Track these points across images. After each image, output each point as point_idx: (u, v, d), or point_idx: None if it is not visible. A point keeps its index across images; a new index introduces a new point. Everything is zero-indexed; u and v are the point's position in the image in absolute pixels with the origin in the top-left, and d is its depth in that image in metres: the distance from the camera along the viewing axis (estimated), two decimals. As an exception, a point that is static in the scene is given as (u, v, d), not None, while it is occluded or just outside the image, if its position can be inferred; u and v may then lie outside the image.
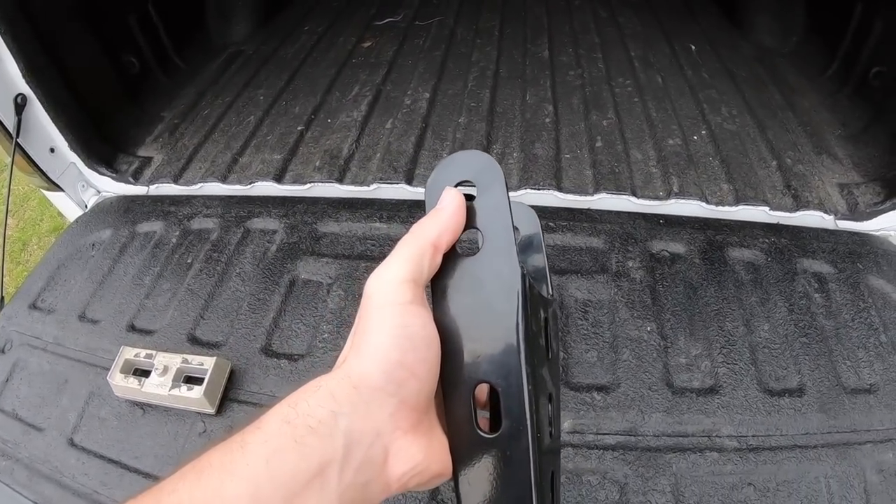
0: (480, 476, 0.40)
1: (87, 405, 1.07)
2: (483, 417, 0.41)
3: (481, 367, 0.39)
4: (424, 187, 0.44)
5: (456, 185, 0.42)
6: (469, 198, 0.42)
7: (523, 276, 0.39)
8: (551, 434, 0.42)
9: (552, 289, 0.50)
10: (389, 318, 0.37)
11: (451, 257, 0.41)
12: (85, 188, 1.52)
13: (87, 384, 1.10)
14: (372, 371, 0.36)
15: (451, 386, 0.40)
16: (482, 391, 0.42)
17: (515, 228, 0.49)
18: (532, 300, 0.40)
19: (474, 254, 0.41)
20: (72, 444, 1.03)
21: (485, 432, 0.39)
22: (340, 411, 0.35)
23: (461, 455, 0.40)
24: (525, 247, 0.51)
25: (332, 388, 0.36)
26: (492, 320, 0.39)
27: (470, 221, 0.42)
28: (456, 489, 0.40)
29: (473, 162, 0.42)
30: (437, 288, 0.41)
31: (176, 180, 1.44)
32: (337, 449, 0.34)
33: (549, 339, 0.44)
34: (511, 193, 0.44)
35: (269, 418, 0.35)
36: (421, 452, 0.38)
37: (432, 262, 0.40)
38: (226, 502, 0.32)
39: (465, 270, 0.41)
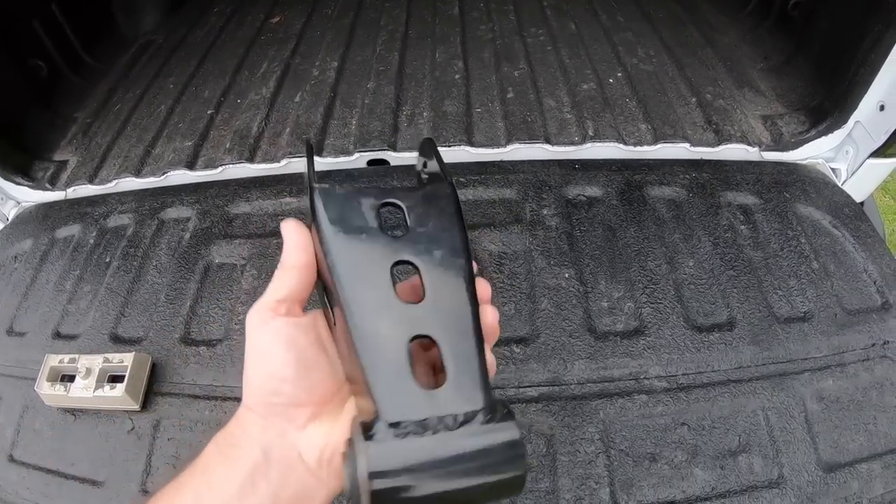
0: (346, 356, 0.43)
1: (22, 419, 1.04)
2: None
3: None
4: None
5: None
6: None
7: (311, 189, 0.44)
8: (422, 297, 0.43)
9: (448, 178, 0.50)
10: (251, 340, 0.42)
11: None
12: (4, 201, 1.47)
13: (20, 398, 1.06)
14: (251, 390, 0.42)
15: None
16: None
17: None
18: (343, 199, 0.44)
19: None
20: (11, 459, 1.01)
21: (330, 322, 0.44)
22: (248, 427, 0.41)
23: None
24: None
25: (238, 414, 0.42)
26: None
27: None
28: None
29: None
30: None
31: (91, 180, 1.39)
32: (257, 455, 0.40)
33: (407, 217, 0.46)
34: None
35: (204, 449, 0.42)
36: (323, 436, 0.42)
37: (293, 286, 0.43)
38: None
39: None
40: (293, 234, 0.44)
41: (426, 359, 0.45)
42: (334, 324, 0.43)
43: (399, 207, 0.45)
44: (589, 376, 0.94)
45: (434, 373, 0.44)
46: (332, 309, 0.43)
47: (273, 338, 0.41)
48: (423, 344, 0.41)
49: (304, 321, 0.43)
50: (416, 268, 0.42)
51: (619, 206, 1.12)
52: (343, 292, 0.40)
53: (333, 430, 0.42)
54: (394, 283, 0.41)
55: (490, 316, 0.44)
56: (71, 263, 1.26)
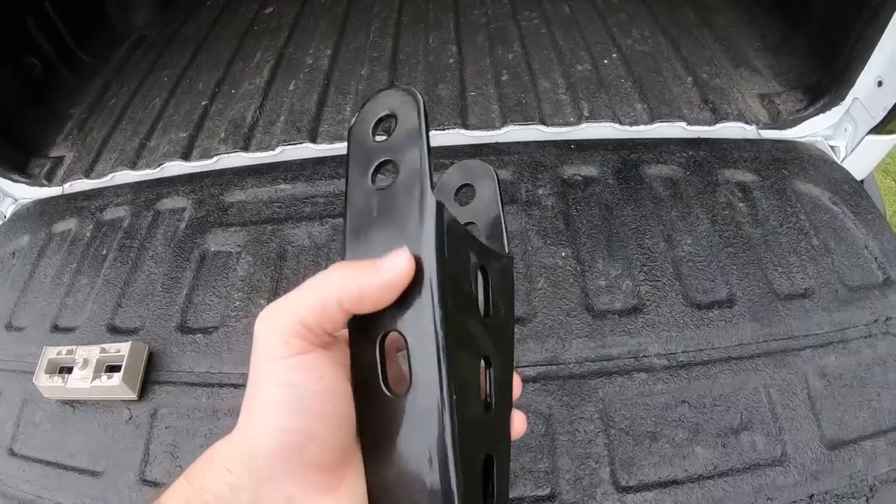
0: (385, 443, 0.33)
1: (22, 412, 1.04)
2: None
3: (388, 312, 0.32)
4: (346, 139, 0.37)
5: (377, 121, 0.36)
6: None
7: (439, 205, 0.32)
8: (489, 405, 0.36)
9: (508, 247, 0.43)
10: (274, 376, 0.32)
11: (365, 189, 0.35)
12: (1, 198, 1.47)
13: (19, 392, 1.07)
14: (264, 439, 0.32)
15: (358, 337, 0.34)
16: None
17: (469, 185, 0.44)
18: (455, 237, 0.34)
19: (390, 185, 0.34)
20: (12, 453, 1.01)
21: (391, 391, 0.33)
22: (240, 484, 0.31)
23: (366, 420, 0.34)
24: (477, 204, 0.45)
25: (228, 459, 0.32)
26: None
27: (385, 151, 0.35)
28: (364, 459, 0.34)
29: (394, 97, 0.35)
30: (349, 226, 0.35)
31: (88, 175, 1.39)
32: None
33: (489, 295, 0.38)
34: None
35: (170, 497, 0.32)
36: None
37: (335, 319, 0.33)
38: None
39: (378, 202, 0.34)
40: (395, 275, 0.32)
41: None
42: (389, 392, 0.33)
43: (485, 277, 0.37)
44: (587, 355, 0.93)
45: None
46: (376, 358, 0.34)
47: (310, 380, 0.32)
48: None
49: (335, 358, 0.34)
50: (489, 365, 0.36)
51: (615, 185, 1.11)
52: (444, 386, 0.31)
53: None
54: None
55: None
56: (68, 257, 1.26)
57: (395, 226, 0.33)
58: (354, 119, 0.36)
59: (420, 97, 0.34)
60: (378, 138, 0.35)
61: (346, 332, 0.35)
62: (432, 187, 0.33)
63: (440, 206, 0.32)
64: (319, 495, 0.32)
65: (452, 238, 0.33)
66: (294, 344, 0.31)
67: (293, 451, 0.31)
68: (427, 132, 0.34)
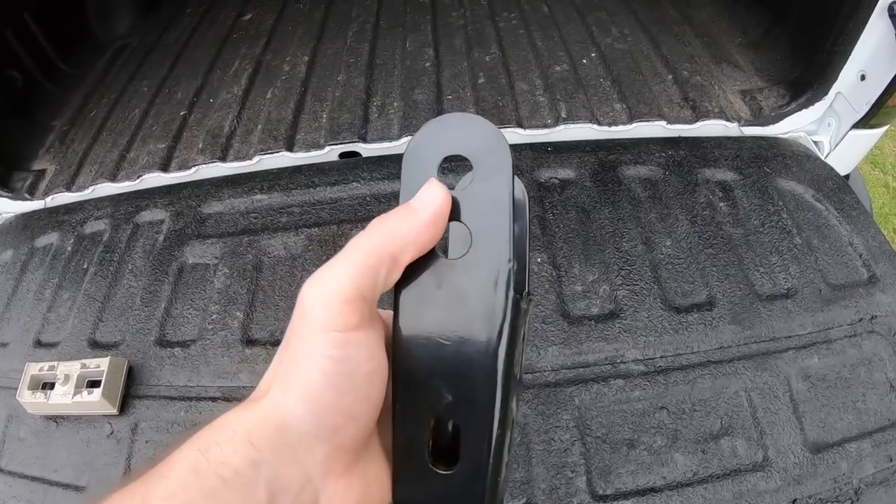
0: None
1: (7, 428, 1.05)
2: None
3: (445, 399, 0.32)
4: (403, 156, 0.33)
5: (445, 159, 0.32)
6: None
7: (515, 302, 0.31)
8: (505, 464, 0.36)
9: (529, 283, 0.39)
10: (326, 348, 0.29)
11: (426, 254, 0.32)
12: (-16, 214, 1.47)
13: (4, 408, 1.07)
14: (300, 413, 0.29)
15: (405, 411, 0.33)
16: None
17: None
18: (518, 322, 0.32)
19: (456, 254, 0.31)
20: None
21: (439, 468, 0.33)
22: (262, 459, 0.28)
23: (404, 488, 0.34)
24: None
25: (251, 430, 0.29)
26: (467, 349, 0.31)
27: (455, 212, 0.31)
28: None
29: (475, 133, 0.31)
30: (403, 288, 0.32)
31: (69, 188, 1.39)
32: (259, 501, 0.28)
33: (522, 356, 0.36)
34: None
35: (176, 465, 0.28)
36: (355, 499, 0.32)
37: (389, 276, 0.31)
38: None
39: (443, 275, 0.31)
40: (436, 209, 0.31)
41: None
42: (434, 468, 0.33)
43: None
44: (563, 362, 0.92)
45: None
46: None
47: (361, 358, 0.30)
48: None
49: (380, 335, 0.32)
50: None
51: (592, 188, 1.10)
52: (489, 478, 0.33)
53: (367, 494, 0.32)
54: None
55: None
56: (50, 272, 1.26)
57: (460, 317, 0.31)
58: (413, 142, 0.32)
59: (510, 150, 0.30)
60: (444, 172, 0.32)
61: (388, 311, 0.33)
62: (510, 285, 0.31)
63: (515, 309, 0.31)
64: (337, 478, 0.31)
65: (518, 329, 0.32)
66: (348, 315, 0.29)
67: (330, 430, 0.30)
68: (514, 208, 0.31)
